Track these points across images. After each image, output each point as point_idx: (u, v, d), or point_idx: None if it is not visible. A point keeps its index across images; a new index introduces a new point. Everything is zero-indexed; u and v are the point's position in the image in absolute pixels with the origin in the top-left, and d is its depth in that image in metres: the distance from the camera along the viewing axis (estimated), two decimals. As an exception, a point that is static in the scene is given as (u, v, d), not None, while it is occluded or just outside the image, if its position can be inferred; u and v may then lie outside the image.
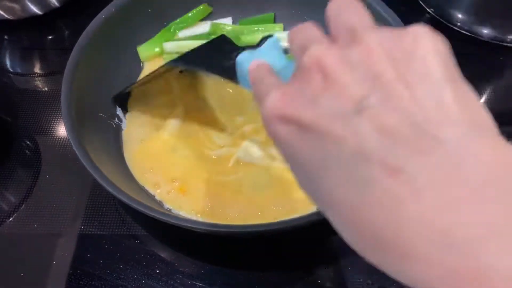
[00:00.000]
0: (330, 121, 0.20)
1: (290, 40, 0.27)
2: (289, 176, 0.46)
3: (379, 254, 0.19)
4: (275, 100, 0.22)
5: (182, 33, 0.60)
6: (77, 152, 0.41)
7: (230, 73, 0.35)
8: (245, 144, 0.49)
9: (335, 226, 0.21)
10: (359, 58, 0.21)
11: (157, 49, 0.57)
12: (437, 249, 0.17)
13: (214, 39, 0.43)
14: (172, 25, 0.59)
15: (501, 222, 0.16)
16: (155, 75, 0.48)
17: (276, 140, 0.23)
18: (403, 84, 0.20)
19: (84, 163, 0.41)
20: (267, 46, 0.33)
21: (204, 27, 0.61)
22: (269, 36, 0.34)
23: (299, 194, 0.45)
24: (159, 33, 0.59)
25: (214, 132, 0.51)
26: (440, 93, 0.19)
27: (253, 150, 0.48)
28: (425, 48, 0.20)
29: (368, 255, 0.20)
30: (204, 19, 0.61)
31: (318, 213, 0.38)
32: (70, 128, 0.43)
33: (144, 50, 0.57)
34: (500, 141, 0.19)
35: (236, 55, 0.34)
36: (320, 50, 0.22)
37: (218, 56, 0.37)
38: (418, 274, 0.18)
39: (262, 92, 0.25)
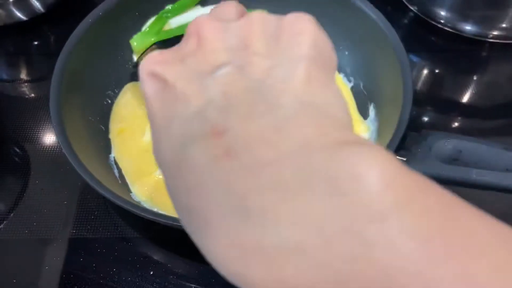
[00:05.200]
0: (187, 82, 0.20)
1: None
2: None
3: (189, 222, 0.18)
4: (149, 57, 0.22)
5: (173, 21, 0.57)
6: (67, 156, 0.41)
7: None
8: None
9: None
10: (237, 29, 0.22)
11: (152, 39, 0.54)
12: (228, 215, 0.17)
13: None
14: (163, 13, 0.56)
15: (294, 186, 0.16)
16: None
17: (144, 96, 0.22)
18: (266, 56, 0.20)
19: (75, 166, 0.41)
20: None
21: (197, 12, 0.57)
22: None
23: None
24: (151, 23, 0.56)
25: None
26: (295, 68, 0.20)
27: None
28: (301, 28, 0.21)
29: (184, 222, 0.19)
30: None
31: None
32: (60, 133, 0.43)
33: (137, 41, 0.55)
34: (334, 126, 0.18)
35: None
36: (205, 19, 0.23)
37: None
38: (210, 243, 0.17)
39: None
